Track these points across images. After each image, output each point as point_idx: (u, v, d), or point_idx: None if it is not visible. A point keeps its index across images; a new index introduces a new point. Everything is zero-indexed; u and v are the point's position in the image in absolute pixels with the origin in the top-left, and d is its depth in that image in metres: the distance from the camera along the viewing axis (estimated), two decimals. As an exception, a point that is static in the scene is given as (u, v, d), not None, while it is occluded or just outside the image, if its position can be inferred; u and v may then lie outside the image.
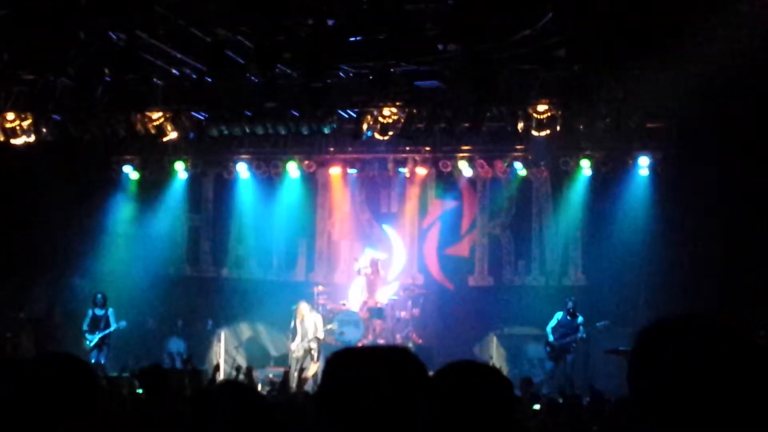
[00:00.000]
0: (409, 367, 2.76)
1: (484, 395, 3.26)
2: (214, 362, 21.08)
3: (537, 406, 13.41)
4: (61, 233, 20.89)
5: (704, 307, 16.46)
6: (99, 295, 19.77)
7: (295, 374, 19.18)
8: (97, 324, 19.61)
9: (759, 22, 13.04)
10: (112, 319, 19.65)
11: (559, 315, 19.13)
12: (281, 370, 19.70)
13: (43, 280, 20.75)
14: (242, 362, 19.52)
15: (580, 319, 18.99)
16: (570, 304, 19.08)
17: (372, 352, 3.07)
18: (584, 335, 18.83)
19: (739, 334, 2.42)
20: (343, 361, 2.81)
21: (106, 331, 19.53)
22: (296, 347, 19.57)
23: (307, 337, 19.45)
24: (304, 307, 19.72)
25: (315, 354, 19.52)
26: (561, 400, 13.60)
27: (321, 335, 19.57)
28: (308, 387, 17.87)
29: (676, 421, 2.31)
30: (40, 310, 20.53)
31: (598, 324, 18.67)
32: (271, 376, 19.78)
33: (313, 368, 19.27)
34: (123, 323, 19.76)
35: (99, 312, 19.67)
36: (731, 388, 2.29)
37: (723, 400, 2.28)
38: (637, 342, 2.45)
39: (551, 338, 19.08)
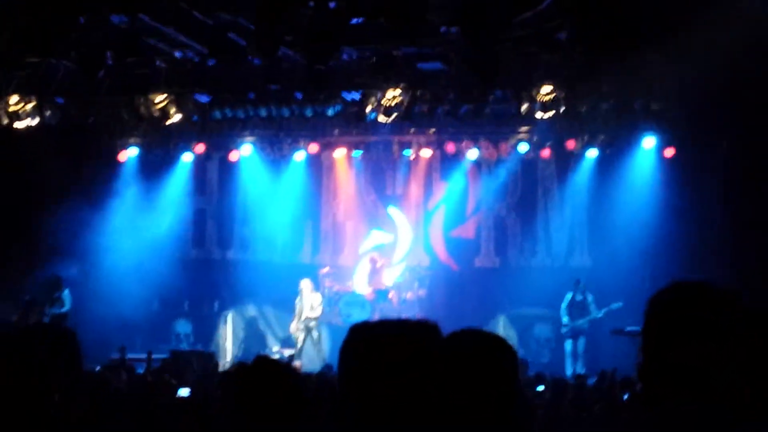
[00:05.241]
0: (435, 344, 2.72)
1: (489, 361, 3.24)
2: (221, 343, 21.22)
3: (541, 387, 13.38)
4: (64, 217, 20.87)
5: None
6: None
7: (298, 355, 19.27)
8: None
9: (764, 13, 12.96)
10: (67, 301, 19.70)
11: (569, 296, 19.20)
12: (287, 350, 19.81)
13: (47, 264, 20.75)
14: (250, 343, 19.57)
15: (590, 297, 19.07)
16: (580, 284, 19.15)
17: (398, 326, 2.93)
18: (600, 315, 18.84)
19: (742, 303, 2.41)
20: (369, 336, 2.77)
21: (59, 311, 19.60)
22: (294, 328, 19.66)
23: (304, 314, 19.52)
24: (305, 285, 19.78)
25: (315, 334, 19.56)
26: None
27: (317, 314, 19.61)
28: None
29: (687, 394, 2.29)
30: (45, 294, 20.55)
31: (613, 306, 18.63)
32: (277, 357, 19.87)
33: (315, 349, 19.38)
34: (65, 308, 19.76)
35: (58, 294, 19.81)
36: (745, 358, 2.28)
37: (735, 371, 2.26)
38: (649, 309, 2.42)
39: (566, 319, 19.13)
